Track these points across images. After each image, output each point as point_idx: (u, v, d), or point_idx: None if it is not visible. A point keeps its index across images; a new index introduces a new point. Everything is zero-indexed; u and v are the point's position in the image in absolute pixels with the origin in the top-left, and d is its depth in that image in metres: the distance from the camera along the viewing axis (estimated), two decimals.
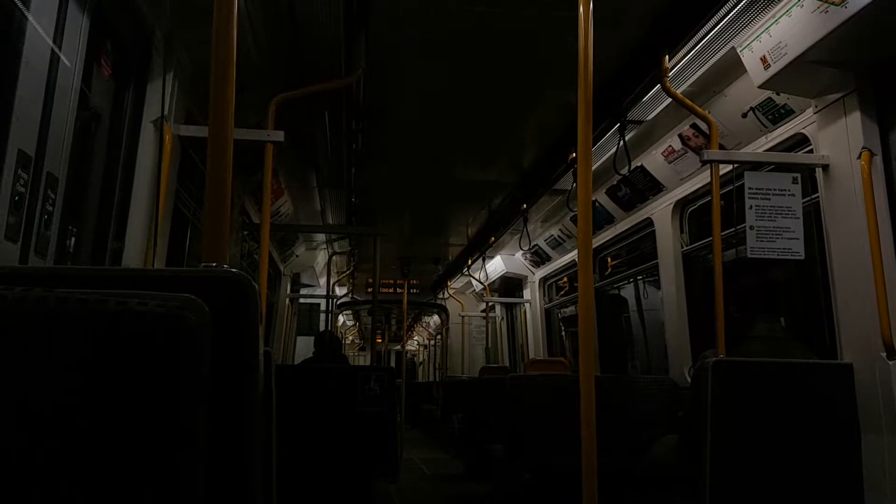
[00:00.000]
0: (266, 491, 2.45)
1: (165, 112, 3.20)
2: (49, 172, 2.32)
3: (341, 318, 15.51)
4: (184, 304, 0.97)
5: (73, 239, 2.82)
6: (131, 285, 1.11)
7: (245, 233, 6.01)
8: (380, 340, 20.99)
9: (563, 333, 9.51)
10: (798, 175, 3.43)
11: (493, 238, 8.13)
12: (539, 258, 8.88)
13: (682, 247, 5.10)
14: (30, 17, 2.19)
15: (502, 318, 11.85)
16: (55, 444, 0.89)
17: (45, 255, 2.34)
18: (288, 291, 9.07)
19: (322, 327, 9.06)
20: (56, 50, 2.35)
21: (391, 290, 12.19)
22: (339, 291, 11.61)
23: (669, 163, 4.90)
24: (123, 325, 0.94)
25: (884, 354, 3.00)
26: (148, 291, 0.98)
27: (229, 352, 1.07)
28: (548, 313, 9.41)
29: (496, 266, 9.81)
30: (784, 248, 3.32)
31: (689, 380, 4.34)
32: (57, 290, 0.95)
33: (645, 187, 5.36)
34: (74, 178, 2.68)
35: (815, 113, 3.46)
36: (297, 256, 8.82)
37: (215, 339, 1.02)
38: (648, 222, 5.53)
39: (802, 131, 3.62)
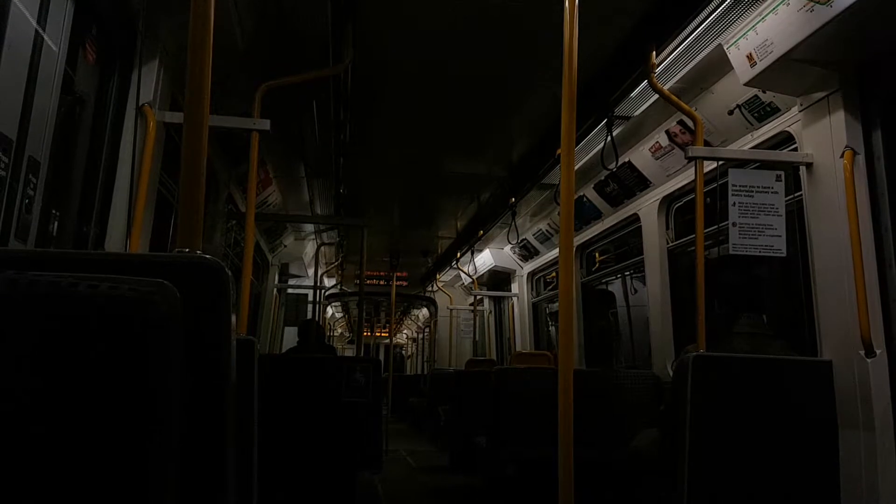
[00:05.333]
0: (245, 479, 2.45)
1: (149, 98, 3.19)
2: (31, 156, 2.30)
3: (330, 310, 15.50)
4: (155, 289, 0.97)
5: (55, 223, 2.81)
6: (105, 269, 1.11)
7: (233, 222, 5.99)
8: (367, 333, 20.98)
9: (552, 327, 9.54)
10: (782, 173, 3.45)
11: (481, 231, 8.13)
12: (527, 252, 8.90)
13: (668, 243, 5.13)
14: None
15: (490, 312, 11.88)
16: (23, 428, 0.90)
17: (26, 239, 2.33)
18: (276, 281, 9.05)
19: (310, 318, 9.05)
20: (40, 32, 2.34)
21: (380, 283, 12.19)
22: (328, 282, 11.59)
23: (656, 159, 4.92)
24: (94, 309, 0.94)
25: (862, 352, 3.04)
26: (121, 276, 0.98)
27: (201, 337, 1.08)
28: (535, 307, 9.45)
29: (485, 259, 9.82)
30: (766, 246, 3.35)
31: (671, 374, 4.38)
32: (29, 272, 0.95)
33: (632, 183, 5.38)
34: (58, 163, 2.67)
35: (800, 111, 3.49)
36: (285, 246, 8.80)
37: (187, 324, 1.02)
38: (635, 218, 5.55)
39: (787, 129, 3.64)
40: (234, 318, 1.14)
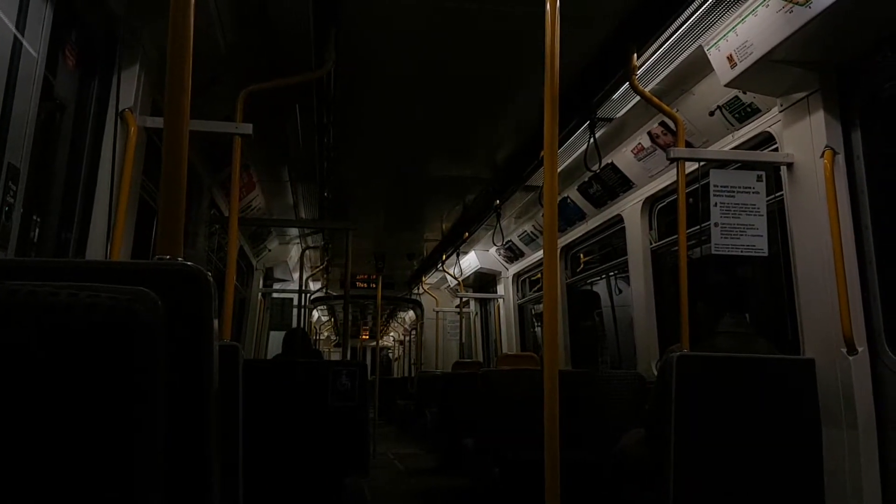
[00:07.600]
0: (230, 485, 2.43)
1: (130, 103, 3.16)
2: (10, 163, 2.28)
3: (316, 314, 15.44)
4: (136, 297, 0.96)
5: (36, 230, 2.78)
6: (85, 277, 1.10)
7: (217, 227, 5.95)
8: (354, 336, 20.92)
9: (538, 329, 9.56)
10: (763, 173, 3.48)
11: (467, 233, 8.14)
12: (512, 254, 8.92)
13: (651, 243, 5.16)
14: None
15: (476, 314, 11.89)
16: (4, 438, 0.89)
17: (7, 246, 2.31)
18: (260, 286, 9.01)
19: (295, 322, 9.00)
20: (19, 37, 2.32)
21: (365, 285, 12.16)
22: (314, 286, 11.55)
23: (639, 160, 4.94)
24: (74, 318, 0.93)
25: (844, 350, 3.07)
26: (101, 284, 0.97)
27: (183, 345, 1.07)
28: (521, 309, 9.47)
29: (470, 261, 9.83)
30: (748, 245, 3.37)
31: (655, 374, 4.40)
32: (8, 282, 0.94)
33: (615, 184, 5.41)
34: (38, 169, 2.64)
35: (780, 112, 3.52)
36: (269, 251, 8.77)
37: (169, 333, 1.01)
38: (619, 219, 5.58)
39: (768, 130, 3.67)
40: (216, 325, 1.13)
